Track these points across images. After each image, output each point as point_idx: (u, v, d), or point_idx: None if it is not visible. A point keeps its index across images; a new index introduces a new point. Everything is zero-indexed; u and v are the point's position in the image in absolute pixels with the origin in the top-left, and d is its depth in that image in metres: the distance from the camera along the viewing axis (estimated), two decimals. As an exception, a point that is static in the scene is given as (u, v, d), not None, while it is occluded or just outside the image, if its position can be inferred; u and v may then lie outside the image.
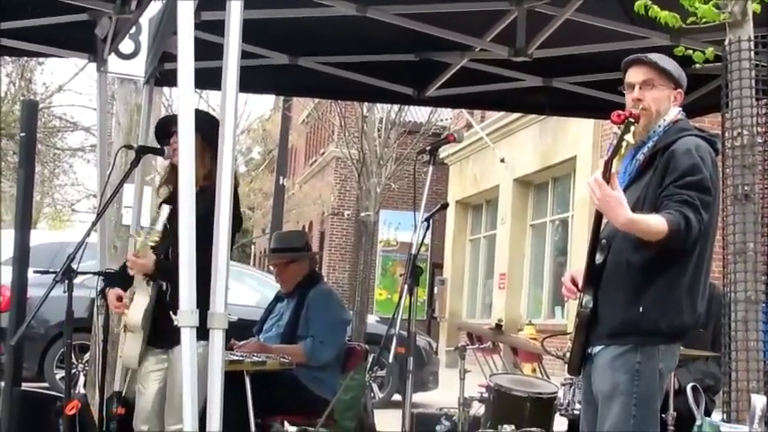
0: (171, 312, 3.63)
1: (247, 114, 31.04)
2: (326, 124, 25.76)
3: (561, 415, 5.59)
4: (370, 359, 6.20)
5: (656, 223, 3.59)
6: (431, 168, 4.89)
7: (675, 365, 3.92)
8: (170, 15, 4.20)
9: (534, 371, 8.08)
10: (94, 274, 5.40)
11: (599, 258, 3.78)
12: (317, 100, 23.28)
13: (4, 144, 19.85)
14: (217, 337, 3.40)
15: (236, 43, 3.48)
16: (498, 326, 6.47)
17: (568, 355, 3.97)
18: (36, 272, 6.00)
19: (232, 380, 4.82)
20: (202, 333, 3.44)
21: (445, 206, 5.49)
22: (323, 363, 5.84)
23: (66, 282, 4.49)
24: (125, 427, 4.98)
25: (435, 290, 24.09)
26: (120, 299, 4.79)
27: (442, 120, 22.25)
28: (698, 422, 4.35)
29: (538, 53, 6.24)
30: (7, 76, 20.63)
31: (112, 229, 7.53)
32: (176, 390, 4.48)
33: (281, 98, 21.73)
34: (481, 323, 18.24)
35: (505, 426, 5.44)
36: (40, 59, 19.71)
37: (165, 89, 10.83)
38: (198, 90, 10.58)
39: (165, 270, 4.63)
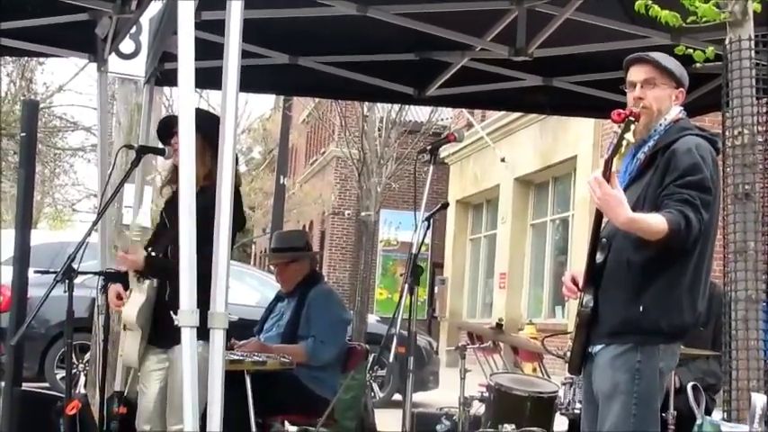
0: (171, 312, 3.63)
1: (248, 114, 31.09)
2: (327, 124, 25.76)
3: (562, 414, 5.59)
4: (370, 359, 6.20)
5: (656, 222, 3.59)
6: (431, 168, 4.88)
7: (676, 364, 3.92)
8: (170, 15, 4.20)
9: (535, 370, 8.07)
10: (95, 273, 5.40)
11: (599, 257, 3.78)
12: (317, 99, 23.28)
13: (4, 144, 19.85)
14: (217, 337, 3.40)
15: (236, 43, 3.48)
16: (499, 325, 6.47)
17: (569, 354, 3.97)
18: (36, 272, 6.00)
19: (232, 380, 4.82)
20: (202, 333, 3.44)
21: (446, 206, 5.49)
22: (324, 362, 5.84)
23: (67, 282, 4.50)
24: (127, 426, 4.99)
25: (436, 289, 24.08)
26: (119, 297, 4.80)
27: (442, 119, 22.25)
28: (698, 421, 4.35)
29: (538, 52, 6.24)
30: (8, 76, 20.64)
31: (113, 228, 7.52)
32: (177, 390, 4.48)
33: (282, 98, 21.71)
34: (482, 323, 18.23)
35: (506, 425, 5.44)
36: (41, 59, 19.72)
37: (166, 89, 10.85)
38: (198, 90, 10.59)
39: (155, 267, 4.64)
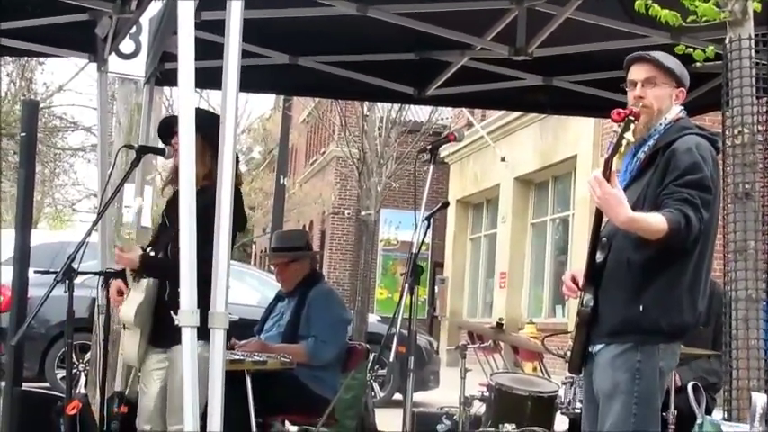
0: (171, 312, 3.63)
1: (248, 114, 31.10)
2: (327, 123, 25.76)
3: (562, 414, 5.59)
4: (371, 358, 6.20)
5: (656, 222, 3.59)
6: (431, 167, 4.88)
7: (676, 364, 3.92)
8: (170, 15, 4.20)
9: (535, 370, 8.08)
10: (95, 273, 5.41)
11: (599, 257, 3.78)
12: (317, 99, 23.28)
13: (4, 144, 19.85)
14: (218, 337, 3.40)
15: (236, 43, 3.48)
16: (499, 325, 6.47)
17: (569, 353, 3.97)
18: (37, 272, 6.00)
19: (233, 379, 4.82)
20: (202, 332, 3.44)
21: (446, 205, 5.49)
22: (325, 362, 5.84)
23: (67, 281, 4.50)
24: (127, 426, 4.99)
25: (436, 289, 24.08)
26: (120, 293, 4.81)
27: (442, 119, 22.25)
28: (699, 420, 4.35)
29: (538, 52, 6.24)
30: (8, 76, 20.64)
31: (113, 228, 7.52)
32: (176, 390, 4.49)
33: (282, 98, 21.71)
34: (482, 322, 18.23)
35: (506, 425, 5.44)
36: (41, 59, 19.71)
37: (166, 89, 10.84)
38: (198, 90, 10.58)
39: (150, 266, 4.65)
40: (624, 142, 3.64)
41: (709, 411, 5.11)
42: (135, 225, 4.62)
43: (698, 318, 3.78)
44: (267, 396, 5.50)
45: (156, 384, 4.75)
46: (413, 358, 4.73)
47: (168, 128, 4.80)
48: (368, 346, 6.38)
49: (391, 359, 4.98)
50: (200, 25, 3.77)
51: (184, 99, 3.59)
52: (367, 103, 16.51)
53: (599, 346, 3.80)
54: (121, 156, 6.74)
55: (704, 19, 4.92)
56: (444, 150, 20.95)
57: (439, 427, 6.12)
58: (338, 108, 19.91)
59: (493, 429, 5.52)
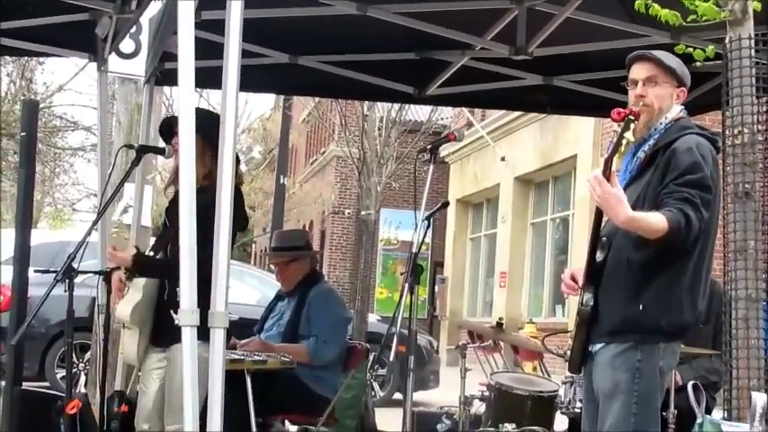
0: (171, 311, 3.63)
1: (248, 113, 31.09)
2: (327, 123, 25.77)
3: (562, 413, 5.59)
4: (371, 358, 6.20)
5: (656, 221, 3.59)
6: (431, 167, 4.88)
7: (676, 363, 3.92)
8: (170, 15, 4.20)
9: (535, 369, 8.08)
10: (95, 273, 5.40)
11: (599, 256, 3.78)
12: (317, 99, 23.28)
13: (4, 143, 19.85)
14: (218, 336, 3.40)
15: (236, 42, 3.47)
16: (499, 324, 6.47)
17: (569, 353, 3.97)
18: (37, 271, 6.01)
19: (233, 379, 4.82)
20: (201, 332, 3.44)
21: (446, 205, 5.49)
22: (326, 362, 5.84)
23: (67, 281, 4.50)
24: (128, 426, 4.99)
25: (436, 288, 24.08)
26: (122, 284, 4.81)
27: (442, 118, 22.25)
28: (699, 420, 4.35)
29: (538, 51, 6.24)
30: (8, 76, 20.64)
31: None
32: (175, 389, 4.49)
33: (282, 97, 21.71)
34: (482, 322, 18.24)
35: (506, 424, 5.44)
36: (41, 59, 19.71)
37: (166, 88, 10.82)
38: (198, 89, 10.58)
39: (143, 265, 4.65)
40: (624, 142, 3.63)
41: (708, 411, 5.11)
42: (122, 223, 4.62)
43: (698, 317, 3.79)
44: (267, 395, 5.50)
45: (155, 384, 4.75)
46: (413, 358, 4.73)
47: (170, 127, 4.81)
48: (368, 345, 6.38)
49: (391, 359, 4.98)
50: (200, 25, 3.77)
51: (184, 99, 3.59)
52: (367, 102, 16.52)
53: (599, 346, 3.80)
54: (121, 155, 6.74)
55: (704, 18, 4.92)
56: (444, 150, 20.94)
57: (439, 426, 6.12)
58: (338, 108, 19.91)
59: (493, 429, 5.53)
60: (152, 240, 5.99)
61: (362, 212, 17.19)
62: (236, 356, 5.43)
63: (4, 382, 6.17)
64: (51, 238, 11.93)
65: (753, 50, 4.86)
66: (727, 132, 4.87)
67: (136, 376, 5.16)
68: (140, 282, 4.69)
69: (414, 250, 4.68)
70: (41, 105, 19.04)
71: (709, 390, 5.37)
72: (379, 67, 6.87)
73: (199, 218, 3.47)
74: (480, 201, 23.53)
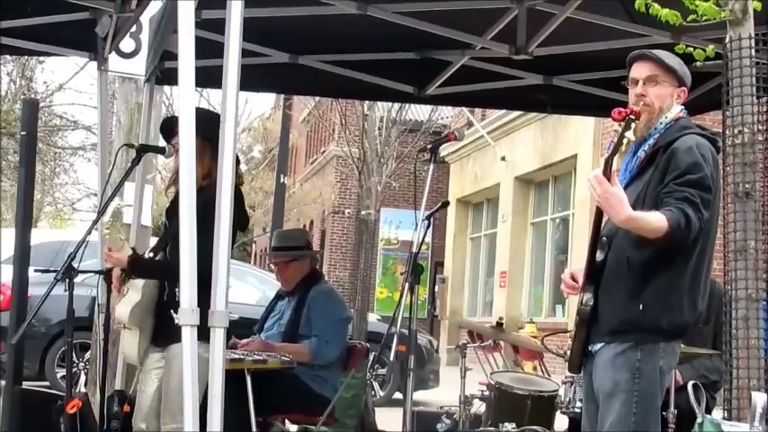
0: (171, 311, 3.63)
1: (248, 113, 31.10)
2: (327, 123, 25.77)
3: (562, 413, 5.59)
4: (371, 357, 6.20)
5: (656, 220, 3.59)
6: (431, 167, 4.88)
7: (676, 363, 3.92)
8: (170, 14, 4.20)
9: (535, 369, 8.08)
10: (95, 272, 5.40)
11: (599, 256, 3.78)
12: (317, 98, 23.29)
13: (4, 143, 19.85)
14: (218, 336, 3.39)
15: (236, 42, 3.47)
16: (499, 324, 6.47)
17: (569, 353, 3.97)
18: (37, 270, 6.01)
19: (233, 378, 4.82)
20: (201, 333, 3.44)
21: (446, 204, 5.49)
22: (327, 361, 5.83)
23: (67, 280, 4.50)
24: (128, 426, 4.99)
25: (436, 288, 24.10)
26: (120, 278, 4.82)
27: (442, 118, 22.27)
28: (699, 420, 4.35)
29: (538, 51, 6.24)
30: (8, 75, 20.65)
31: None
32: (171, 389, 4.49)
33: (282, 97, 21.71)
34: (482, 321, 18.24)
35: (506, 424, 5.44)
36: (41, 58, 19.71)
37: (166, 88, 10.81)
38: (199, 89, 10.59)
39: (139, 266, 4.64)
40: (625, 141, 3.63)
41: (709, 410, 5.10)
42: (115, 223, 4.62)
43: (698, 317, 3.79)
44: (267, 395, 5.50)
45: (154, 384, 4.75)
46: (413, 357, 4.73)
47: (170, 127, 4.80)
48: (368, 345, 6.38)
49: (391, 358, 4.99)
50: (200, 24, 3.77)
51: (185, 98, 3.59)
52: (367, 102, 16.52)
53: (599, 346, 3.80)
54: (122, 155, 6.75)
55: (704, 18, 4.92)
56: (444, 150, 20.94)
57: (439, 426, 6.12)
58: (338, 107, 19.91)
59: (493, 429, 5.53)
60: (152, 240, 6.00)
61: (362, 212, 17.20)
62: (236, 356, 5.42)
63: (4, 382, 6.17)
64: (51, 238, 11.93)
65: (753, 50, 4.85)
66: (727, 132, 4.87)
67: (138, 376, 5.16)
68: (140, 283, 4.69)
69: (414, 250, 4.68)
70: (41, 104, 19.04)
71: (710, 389, 5.37)
72: (380, 67, 6.87)
73: (198, 217, 3.46)
74: (480, 200, 23.53)
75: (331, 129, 25.50)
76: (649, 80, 3.84)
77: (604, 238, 3.78)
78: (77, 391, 8.55)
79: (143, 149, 5.12)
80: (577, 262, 12.41)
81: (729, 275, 4.84)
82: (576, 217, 17.73)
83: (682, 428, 5.07)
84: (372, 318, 14.76)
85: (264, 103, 55.88)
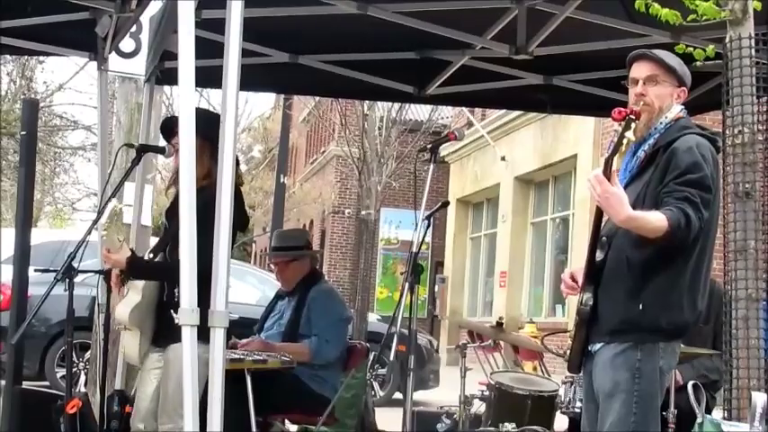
0: (171, 311, 3.63)
1: (248, 113, 31.10)
2: (327, 123, 25.77)
3: (562, 413, 5.59)
4: (371, 357, 6.20)
5: (656, 220, 3.59)
6: (431, 166, 4.88)
7: (676, 363, 3.92)
8: (170, 14, 4.20)
9: (535, 369, 8.08)
10: (95, 272, 5.41)
11: (599, 256, 3.78)
12: (317, 98, 23.28)
13: (4, 143, 19.84)
14: (218, 335, 3.39)
15: (236, 41, 3.47)
16: (499, 324, 6.47)
17: (569, 352, 3.97)
18: (37, 270, 6.01)
19: (233, 378, 4.82)
20: (200, 333, 3.43)
21: (446, 204, 5.49)
22: (328, 361, 5.83)
23: (67, 280, 4.50)
24: (129, 426, 4.99)
25: (436, 288, 24.10)
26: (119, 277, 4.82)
27: (442, 118, 22.26)
28: (699, 420, 4.35)
29: (538, 51, 6.24)
30: (8, 75, 20.64)
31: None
32: (169, 390, 4.50)
33: (282, 96, 21.72)
34: (482, 321, 18.24)
35: (506, 424, 5.45)
36: (41, 58, 19.71)
37: (166, 88, 10.81)
38: (199, 89, 10.59)
39: (137, 268, 4.64)
40: (625, 141, 3.63)
41: (708, 410, 5.10)
42: (112, 224, 4.63)
43: (698, 317, 3.79)
44: (267, 395, 5.50)
45: (153, 384, 4.76)
46: (413, 357, 4.73)
47: (171, 127, 4.80)
48: (368, 345, 6.38)
49: (391, 358, 4.99)
50: (200, 24, 3.77)
51: (185, 98, 3.59)
52: (367, 102, 16.52)
53: (599, 345, 3.80)
54: (122, 154, 6.75)
55: (704, 18, 4.91)
56: (444, 149, 20.94)
57: (439, 426, 6.12)
58: (338, 107, 19.91)
59: (493, 428, 5.53)
60: (152, 241, 5.99)
61: (362, 212, 17.20)
62: (236, 356, 5.42)
63: (4, 382, 6.17)
64: (51, 238, 11.92)
65: (753, 50, 4.85)
66: (727, 132, 4.86)
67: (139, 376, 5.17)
68: (140, 284, 4.69)
69: (414, 250, 4.68)
70: (41, 104, 19.04)
71: (710, 389, 5.37)
72: (380, 67, 6.87)
73: (198, 217, 3.46)
74: (480, 200, 23.53)
75: (331, 129, 25.50)
76: (649, 80, 3.84)
77: (604, 237, 3.78)
78: (77, 390, 8.55)
79: (143, 149, 5.12)
80: (577, 262, 12.40)
81: (729, 275, 4.84)
82: (575, 217, 17.73)
83: (682, 428, 5.07)
84: (372, 318, 14.76)
85: (264, 103, 55.89)
